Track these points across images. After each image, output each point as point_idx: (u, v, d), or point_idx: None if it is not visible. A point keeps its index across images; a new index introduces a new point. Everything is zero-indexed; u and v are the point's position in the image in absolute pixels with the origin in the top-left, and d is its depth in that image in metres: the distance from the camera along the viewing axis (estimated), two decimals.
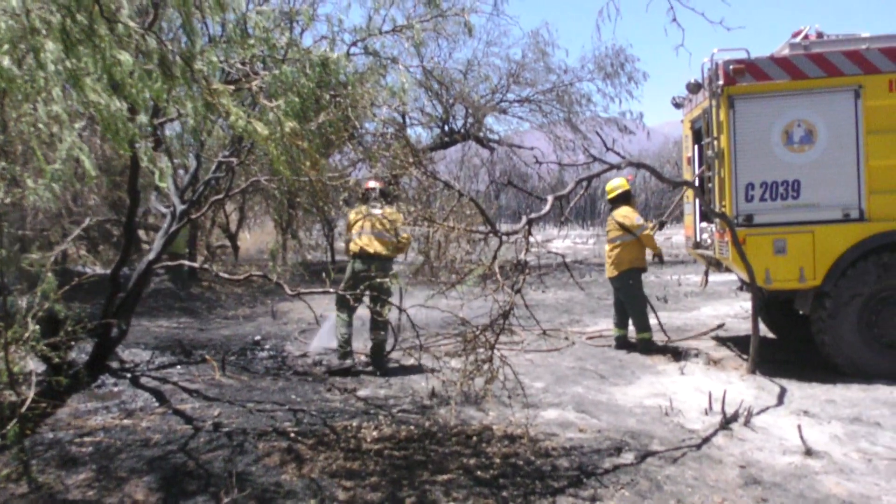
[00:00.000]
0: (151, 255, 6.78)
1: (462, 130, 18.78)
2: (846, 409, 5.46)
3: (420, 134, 18.20)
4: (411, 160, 4.40)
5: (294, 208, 17.42)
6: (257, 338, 8.82)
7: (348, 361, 6.97)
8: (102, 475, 4.33)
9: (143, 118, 2.46)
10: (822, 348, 6.54)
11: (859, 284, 6.41)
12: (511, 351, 7.38)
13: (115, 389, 6.25)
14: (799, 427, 4.75)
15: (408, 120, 17.40)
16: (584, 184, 5.10)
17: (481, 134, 19.52)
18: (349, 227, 7.23)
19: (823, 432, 4.96)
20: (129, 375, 6.68)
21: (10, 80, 2.37)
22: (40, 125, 2.88)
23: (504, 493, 4.01)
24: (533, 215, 4.52)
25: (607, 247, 7.91)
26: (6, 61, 2.28)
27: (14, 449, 4.35)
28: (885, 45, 6.51)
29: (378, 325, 6.85)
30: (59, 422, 5.35)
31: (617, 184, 7.88)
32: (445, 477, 4.26)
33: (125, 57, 2.36)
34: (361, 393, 6.24)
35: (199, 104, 2.66)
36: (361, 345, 7.81)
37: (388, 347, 7.24)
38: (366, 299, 6.54)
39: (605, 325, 9.34)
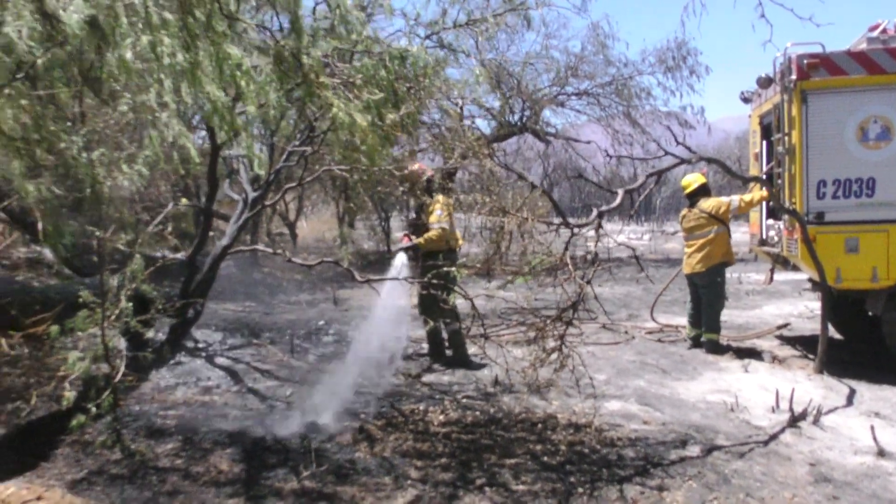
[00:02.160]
0: (226, 241, 7.04)
1: (519, 123, 18.76)
2: None
3: (479, 126, 18.22)
4: (486, 152, 4.51)
5: (349, 199, 17.74)
6: (321, 323, 9.07)
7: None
8: (188, 446, 4.59)
9: (251, 108, 2.62)
10: (893, 350, 6.41)
11: None
12: (572, 343, 7.42)
13: (192, 367, 6.55)
14: (872, 427, 4.70)
15: (466, 111, 17.50)
16: (655, 178, 5.12)
17: (538, 126, 19.47)
18: (449, 216, 6.84)
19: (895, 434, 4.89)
20: (203, 355, 6.99)
21: (128, 70, 2.56)
22: (147, 115, 3.09)
23: (571, 479, 4.10)
24: (604, 208, 4.58)
25: (688, 243, 7.71)
26: (129, 54, 2.47)
27: (107, 418, 4.63)
28: None
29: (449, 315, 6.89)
30: (144, 395, 5.67)
31: (693, 178, 7.75)
32: (513, 461, 4.38)
33: (234, 51, 2.53)
34: (426, 379, 6.40)
35: (305, 96, 2.83)
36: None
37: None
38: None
39: (665, 320, 9.29)
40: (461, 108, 16.92)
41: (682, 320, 8.69)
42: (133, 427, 4.90)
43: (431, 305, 6.31)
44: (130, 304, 4.69)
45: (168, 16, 2.44)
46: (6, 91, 3.34)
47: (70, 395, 4.32)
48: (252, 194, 7.27)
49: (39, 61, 2.70)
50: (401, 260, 6.58)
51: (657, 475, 4.16)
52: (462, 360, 6.92)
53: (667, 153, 5.27)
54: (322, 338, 8.27)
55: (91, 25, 2.29)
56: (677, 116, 19.63)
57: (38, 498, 3.65)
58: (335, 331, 8.67)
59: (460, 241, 7.02)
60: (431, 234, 6.68)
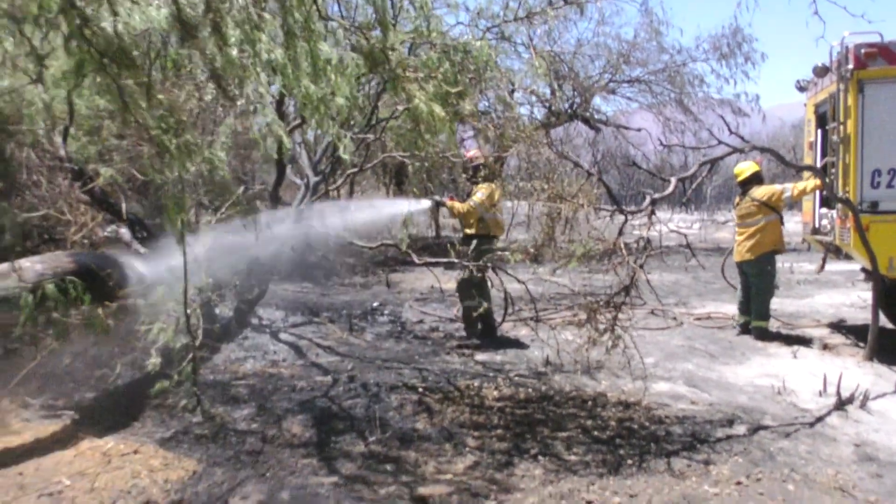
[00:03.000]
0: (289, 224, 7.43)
1: (568, 110, 18.78)
2: None
3: (532, 114, 18.26)
4: (545, 140, 4.72)
5: (402, 184, 18.06)
6: (375, 304, 9.42)
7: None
8: (262, 411, 4.96)
9: (339, 100, 2.90)
10: None
11: None
12: (623, 325, 7.60)
13: (259, 342, 6.95)
14: None
15: (518, 99, 17.59)
16: (708, 166, 5.25)
17: (587, 114, 19.45)
18: (492, 203, 7.10)
19: None
20: (268, 331, 7.39)
21: (231, 63, 2.88)
22: (239, 102, 3.41)
23: (621, 452, 4.32)
24: (657, 195, 4.75)
25: (739, 230, 7.77)
26: (234, 52, 2.78)
27: (187, 384, 5.03)
28: None
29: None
30: (217, 366, 6.08)
31: (746, 165, 7.77)
32: (564, 434, 4.62)
33: (326, 48, 2.82)
34: (479, 357, 6.67)
35: (391, 88, 3.12)
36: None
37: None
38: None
39: (713, 308, 9.37)
40: (511, 96, 17.07)
41: (732, 308, 8.76)
42: (209, 394, 5.29)
43: (465, 288, 6.86)
44: (210, 279, 5.08)
45: (266, 16, 2.73)
46: (97, 78, 3.70)
47: (156, 361, 4.71)
48: (314, 179, 7.63)
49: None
50: (426, 203, 7.13)
51: (704, 451, 4.35)
52: (489, 333, 7.28)
53: (720, 142, 5.39)
54: (377, 318, 8.62)
55: (214, 27, 2.61)
56: (731, 104, 19.38)
57: (135, 451, 4.06)
58: (389, 311, 9.01)
59: (500, 230, 7.26)
60: (459, 205, 7.09)
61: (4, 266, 4.29)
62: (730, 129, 5.71)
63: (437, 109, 3.37)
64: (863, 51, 6.43)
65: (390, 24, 3.29)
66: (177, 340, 4.93)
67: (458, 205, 7.17)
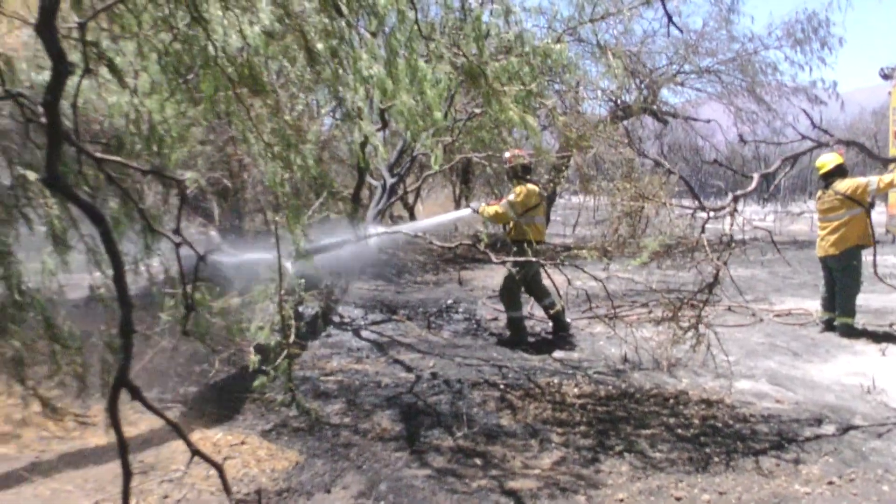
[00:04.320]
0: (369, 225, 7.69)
1: (636, 104, 18.54)
2: None
3: (594, 109, 18.15)
4: (625, 140, 4.78)
5: (468, 182, 18.21)
6: (450, 301, 9.61)
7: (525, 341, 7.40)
8: (352, 406, 5.20)
9: (437, 114, 3.07)
10: None
11: None
12: (704, 323, 7.55)
13: (342, 339, 7.23)
14: None
15: (582, 94, 17.48)
16: (791, 162, 5.20)
17: (655, 107, 19.14)
18: (527, 207, 7.07)
19: None
20: (349, 328, 7.67)
21: (339, 81, 3.09)
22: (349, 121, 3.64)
23: (707, 450, 4.36)
24: (739, 192, 4.74)
25: (822, 224, 7.59)
26: (327, 69, 2.99)
27: (281, 380, 5.30)
28: None
29: (545, 293, 7.32)
30: (305, 363, 6.37)
31: (829, 158, 7.55)
32: (648, 431, 4.68)
33: (423, 65, 2.98)
34: (556, 355, 6.77)
35: (486, 102, 3.28)
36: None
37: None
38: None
39: (793, 303, 9.17)
40: (577, 90, 16.99)
41: (813, 304, 8.57)
42: (302, 389, 5.56)
43: (504, 289, 7.16)
44: (302, 280, 5.35)
45: (367, 35, 2.92)
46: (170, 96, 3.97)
47: (255, 358, 5.00)
48: (390, 180, 7.88)
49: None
50: (466, 211, 7.52)
51: (792, 450, 4.34)
52: (515, 341, 7.22)
53: (803, 137, 5.32)
54: (452, 315, 8.80)
55: (332, 53, 2.84)
56: (806, 91, 18.74)
57: (242, 442, 4.34)
58: (464, 309, 9.18)
59: (539, 234, 7.18)
60: (489, 208, 7.10)
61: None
62: (812, 123, 5.60)
63: (529, 119, 3.50)
64: None
65: (484, 39, 3.44)
66: (272, 338, 5.22)
67: (488, 209, 7.10)
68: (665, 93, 19.59)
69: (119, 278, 2.46)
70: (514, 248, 7.07)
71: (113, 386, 2.41)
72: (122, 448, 2.43)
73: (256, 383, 4.95)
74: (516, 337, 7.26)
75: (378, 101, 3.35)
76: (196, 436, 4.38)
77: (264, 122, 3.23)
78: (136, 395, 2.51)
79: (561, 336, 7.40)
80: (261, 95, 3.14)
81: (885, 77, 8.06)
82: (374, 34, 3.11)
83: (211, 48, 3.23)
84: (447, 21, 4.68)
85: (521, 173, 7.21)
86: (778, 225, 22.67)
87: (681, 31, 14.05)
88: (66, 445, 4.34)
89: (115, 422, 2.44)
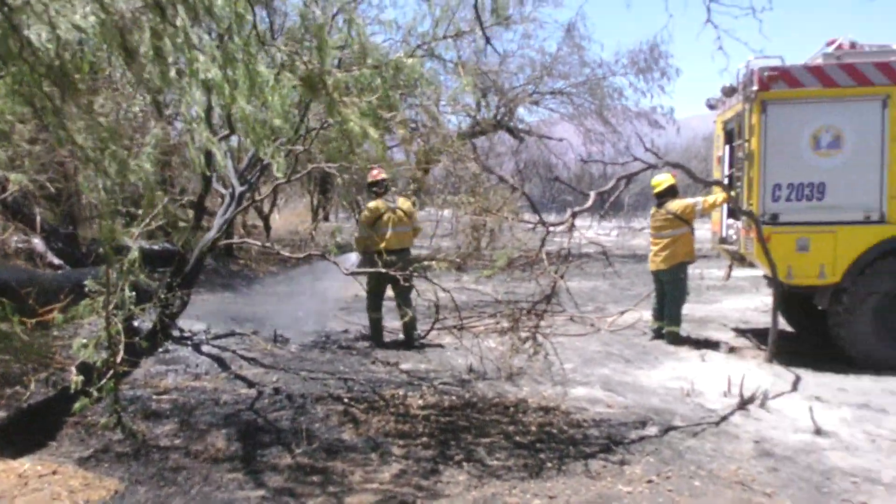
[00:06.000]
0: (213, 234, 7.31)
1: (494, 120, 19.15)
2: (856, 397, 5.89)
3: (452, 123, 18.56)
4: (472, 155, 4.88)
5: (327, 192, 17.96)
6: (300, 313, 9.37)
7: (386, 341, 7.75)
8: (185, 427, 4.90)
9: (276, 121, 2.95)
10: (837, 341, 6.95)
11: (876, 282, 6.80)
12: (544, 333, 7.85)
13: (180, 355, 6.82)
14: (811, 409, 5.20)
15: (440, 109, 17.81)
16: (625, 181, 5.54)
17: (512, 124, 19.89)
18: (372, 221, 7.55)
19: (833, 416, 5.39)
20: (189, 343, 7.26)
21: (168, 83, 2.89)
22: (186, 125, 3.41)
23: (541, 456, 4.51)
24: (577, 209, 4.98)
25: (654, 241, 8.13)
26: (173, 72, 2.79)
27: (106, 401, 4.90)
28: None
29: (406, 304, 7.39)
30: (137, 381, 5.94)
31: (663, 178, 8.13)
32: (487, 440, 4.78)
33: (264, 70, 2.86)
34: (404, 366, 6.77)
35: (328, 111, 3.21)
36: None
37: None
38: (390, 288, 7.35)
39: (631, 315, 9.77)
40: (438, 109, 17.26)
41: (648, 314, 9.18)
42: (130, 410, 5.17)
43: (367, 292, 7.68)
44: (133, 293, 4.98)
45: (205, 37, 2.76)
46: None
47: (78, 379, 4.57)
48: (239, 189, 7.55)
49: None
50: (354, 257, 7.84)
51: (619, 452, 4.59)
52: (410, 339, 7.68)
53: (636, 158, 5.69)
54: (301, 328, 8.58)
55: (156, 53, 2.63)
56: (647, 116, 20.24)
57: (54, 472, 3.95)
58: (314, 321, 8.98)
59: (388, 244, 7.40)
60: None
61: None
62: (645, 146, 6.02)
63: (371, 131, 3.47)
64: (766, 74, 6.89)
65: (327, 49, 3.37)
66: (97, 356, 4.81)
67: (415, 233, 7.83)
68: (522, 111, 20.42)
69: None
70: (362, 258, 7.48)
71: None
72: None
73: (77, 406, 4.55)
74: (373, 336, 7.81)
75: (217, 106, 3.18)
76: None
77: (75, 121, 2.96)
78: None
79: (413, 346, 7.47)
80: (71, 93, 2.88)
81: (711, 107, 8.81)
82: (221, 37, 2.95)
83: (12, 42, 2.94)
84: (287, 29, 4.57)
85: (374, 188, 7.75)
86: (621, 239, 24.21)
87: (499, 54, 14.91)
88: None
89: None
